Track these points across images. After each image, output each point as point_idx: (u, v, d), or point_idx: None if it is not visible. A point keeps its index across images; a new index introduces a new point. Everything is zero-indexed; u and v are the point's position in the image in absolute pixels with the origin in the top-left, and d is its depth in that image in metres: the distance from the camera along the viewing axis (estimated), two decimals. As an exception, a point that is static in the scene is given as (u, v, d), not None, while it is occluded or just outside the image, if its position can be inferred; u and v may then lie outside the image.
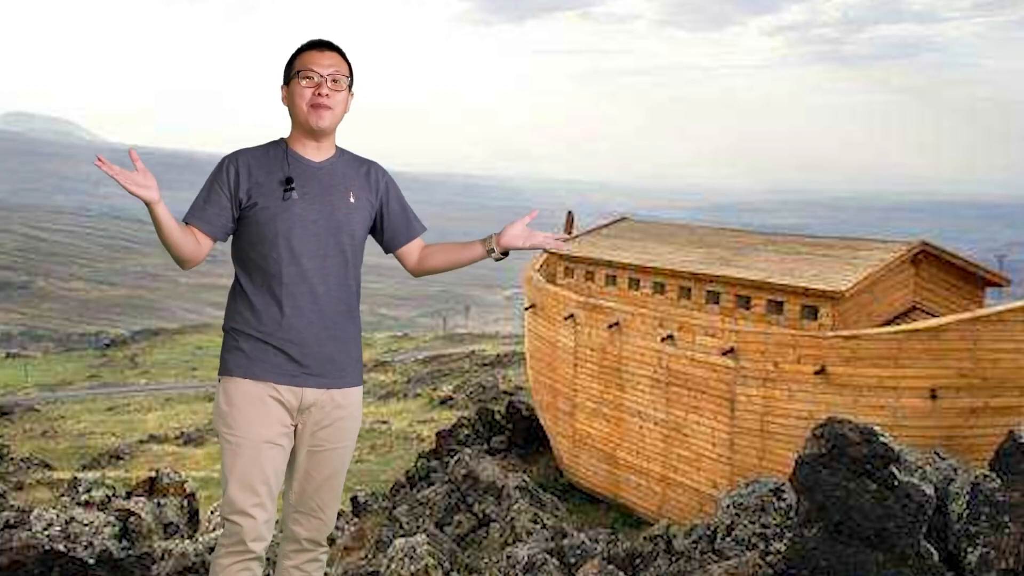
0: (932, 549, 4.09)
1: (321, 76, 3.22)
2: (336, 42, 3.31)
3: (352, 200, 3.29)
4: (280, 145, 3.32)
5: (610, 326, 14.93)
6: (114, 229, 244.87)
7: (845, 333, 11.83)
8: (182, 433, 34.37)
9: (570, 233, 18.74)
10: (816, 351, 11.84)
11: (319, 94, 3.20)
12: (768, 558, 4.69)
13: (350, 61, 3.32)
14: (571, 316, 15.83)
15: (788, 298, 13.08)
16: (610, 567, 5.56)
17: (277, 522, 3.46)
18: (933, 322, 11.30)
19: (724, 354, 12.91)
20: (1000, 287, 14.49)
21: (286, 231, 3.19)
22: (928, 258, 13.46)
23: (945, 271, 13.68)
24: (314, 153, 3.30)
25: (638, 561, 6.10)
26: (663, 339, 13.86)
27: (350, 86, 3.30)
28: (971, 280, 13.92)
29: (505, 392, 31.19)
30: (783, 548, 4.86)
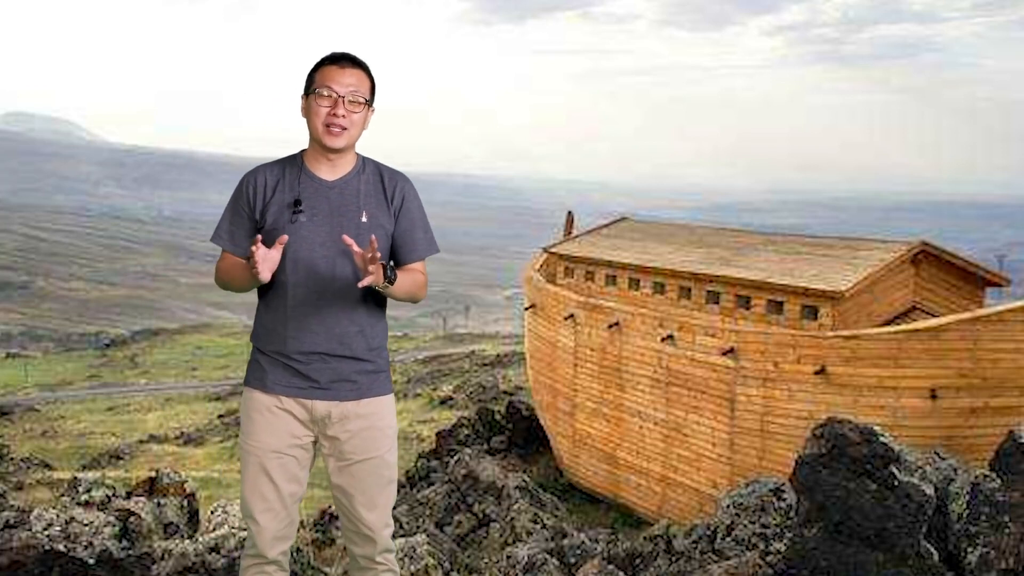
0: (932, 549, 4.09)
1: (339, 95, 3.17)
2: (359, 56, 3.24)
3: (364, 220, 3.24)
4: (296, 161, 3.31)
5: (610, 326, 14.93)
6: (114, 229, 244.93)
7: (845, 333, 11.83)
8: (182, 433, 34.40)
9: (570, 233, 18.75)
10: (816, 351, 11.84)
11: (334, 114, 3.17)
12: (768, 558, 4.69)
13: (373, 77, 3.26)
14: (571, 316, 15.83)
15: (788, 298, 13.08)
16: (610, 567, 5.56)
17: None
18: (933, 322, 11.29)
19: (724, 354, 12.90)
20: (1000, 287, 14.49)
21: (293, 253, 3.19)
22: (928, 258, 13.46)
23: (945, 271, 13.68)
24: (328, 171, 3.27)
25: (638, 561, 6.10)
26: (663, 339, 13.86)
27: (370, 103, 3.24)
28: (971, 280, 13.92)
29: (505, 392, 31.18)
30: (783, 548, 4.86)
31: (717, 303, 14.24)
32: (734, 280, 13.86)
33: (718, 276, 14.09)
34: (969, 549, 4.18)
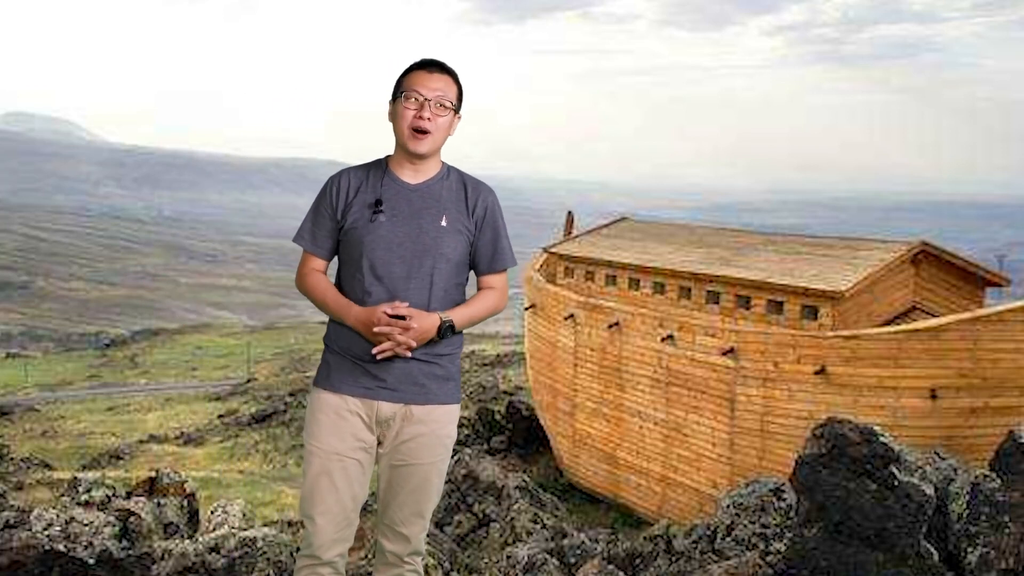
0: (932, 549, 4.09)
1: (425, 99, 3.21)
2: (449, 63, 3.29)
3: (444, 223, 3.26)
4: (381, 165, 3.36)
5: (610, 326, 14.93)
6: (114, 229, 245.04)
7: (845, 333, 11.83)
8: (182, 433, 34.41)
9: (570, 233, 18.75)
10: (816, 351, 11.84)
11: (420, 117, 3.20)
12: (768, 558, 4.69)
13: (461, 84, 3.29)
14: (571, 316, 15.83)
15: (788, 298, 13.08)
16: (610, 567, 5.56)
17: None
18: (933, 322, 11.30)
19: (724, 354, 12.91)
20: (1000, 287, 14.50)
21: (371, 252, 3.23)
22: (928, 258, 13.46)
23: (945, 271, 13.68)
24: (411, 175, 3.31)
25: (638, 561, 6.10)
26: (663, 339, 13.86)
27: (457, 109, 3.29)
28: (971, 280, 13.93)
29: (505, 392, 31.20)
30: (783, 548, 4.86)
31: (717, 303, 14.24)
32: (734, 280, 13.86)
33: (718, 276, 14.10)
34: (969, 549, 4.18)
